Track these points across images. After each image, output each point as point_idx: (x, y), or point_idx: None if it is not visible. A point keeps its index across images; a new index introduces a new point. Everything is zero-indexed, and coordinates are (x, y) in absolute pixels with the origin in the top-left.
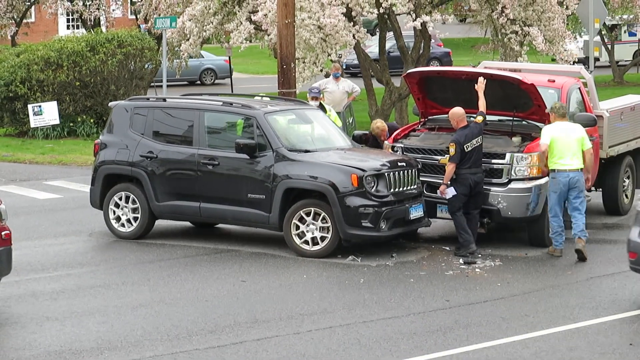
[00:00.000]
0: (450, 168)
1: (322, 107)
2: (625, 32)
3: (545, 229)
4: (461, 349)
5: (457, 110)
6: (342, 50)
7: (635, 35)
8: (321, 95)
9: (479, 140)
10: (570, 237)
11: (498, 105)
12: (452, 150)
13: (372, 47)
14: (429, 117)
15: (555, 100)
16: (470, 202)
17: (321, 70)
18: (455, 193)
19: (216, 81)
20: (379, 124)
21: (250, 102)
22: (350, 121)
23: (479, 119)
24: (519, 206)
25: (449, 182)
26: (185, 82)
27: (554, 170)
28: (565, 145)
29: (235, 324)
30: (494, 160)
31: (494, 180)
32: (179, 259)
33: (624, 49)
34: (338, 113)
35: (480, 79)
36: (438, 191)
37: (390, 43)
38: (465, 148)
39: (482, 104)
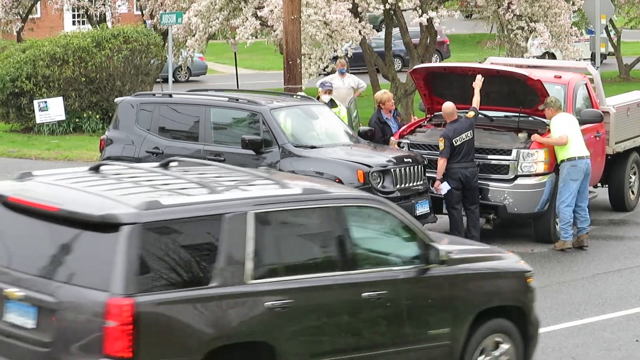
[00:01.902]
0: (441, 163)
1: (332, 102)
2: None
3: (551, 224)
4: None
5: (447, 105)
6: (346, 46)
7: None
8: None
9: (469, 135)
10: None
11: (504, 102)
12: (441, 145)
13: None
14: (435, 113)
15: (557, 96)
16: (467, 197)
17: (326, 68)
18: (450, 188)
19: (190, 78)
20: (389, 94)
21: (255, 97)
22: (354, 116)
23: (471, 114)
24: (526, 202)
25: (441, 178)
26: (159, 80)
27: (573, 159)
28: (577, 134)
29: None
30: (500, 157)
31: (500, 177)
32: None
33: (583, 47)
34: (347, 108)
35: (478, 76)
36: (432, 187)
37: (375, 43)
38: (454, 142)
39: (475, 100)
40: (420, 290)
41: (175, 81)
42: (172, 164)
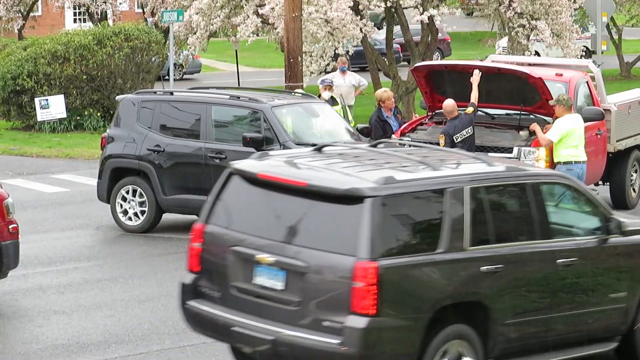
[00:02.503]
0: None
1: (333, 100)
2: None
3: None
4: None
5: (448, 103)
6: (348, 44)
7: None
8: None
9: (470, 131)
10: None
11: (505, 99)
12: (441, 142)
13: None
14: (437, 111)
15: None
16: None
17: (327, 65)
18: None
19: (184, 76)
20: (388, 93)
21: (257, 95)
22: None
23: (469, 110)
24: None
25: None
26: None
27: (570, 162)
28: (580, 138)
29: None
30: (501, 154)
31: None
32: (186, 253)
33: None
34: (349, 106)
35: (476, 71)
36: None
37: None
38: (455, 139)
39: (474, 95)
40: (603, 258)
41: (169, 79)
42: (379, 145)
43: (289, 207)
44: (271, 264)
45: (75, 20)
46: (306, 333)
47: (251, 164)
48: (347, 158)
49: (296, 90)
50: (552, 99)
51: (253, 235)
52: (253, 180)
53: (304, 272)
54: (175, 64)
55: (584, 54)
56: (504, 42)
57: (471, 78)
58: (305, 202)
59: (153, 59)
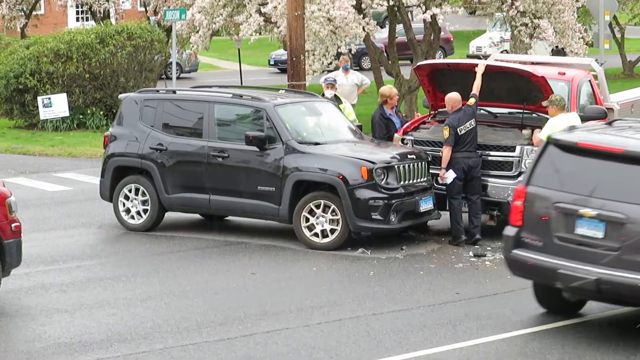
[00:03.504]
0: (446, 152)
1: (336, 98)
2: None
3: None
4: (471, 342)
5: (454, 95)
6: (351, 42)
7: None
8: (336, 85)
9: (473, 123)
10: None
11: (508, 98)
12: (445, 133)
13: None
14: (439, 110)
15: (561, 93)
16: (468, 187)
17: (330, 64)
18: (456, 175)
19: (181, 75)
20: (394, 90)
21: (260, 94)
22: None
23: (471, 101)
24: None
25: (446, 166)
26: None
27: None
28: None
29: (245, 316)
30: (504, 153)
31: (505, 173)
32: (188, 252)
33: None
34: (352, 105)
35: (482, 61)
36: (438, 177)
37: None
38: (459, 131)
39: (476, 86)
40: None
41: (167, 77)
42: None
43: (606, 169)
44: (592, 217)
45: (77, 19)
46: (627, 272)
47: (566, 135)
48: (639, 130)
49: (281, 90)
50: None
51: (573, 194)
52: (571, 148)
53: (623, 223)
54: (177, 63)
55: (587, 51)
56: (477, 41)
57: (475, 67)
58: (621, 165)
59: (156, 57)
